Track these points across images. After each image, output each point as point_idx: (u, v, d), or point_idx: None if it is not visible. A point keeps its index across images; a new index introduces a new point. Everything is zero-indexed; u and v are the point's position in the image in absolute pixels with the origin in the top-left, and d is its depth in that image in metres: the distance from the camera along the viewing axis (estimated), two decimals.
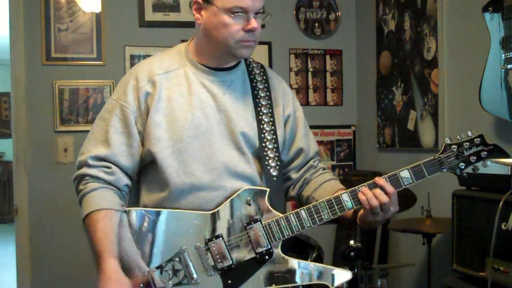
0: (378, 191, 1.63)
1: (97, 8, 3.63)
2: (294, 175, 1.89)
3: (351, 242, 2.54)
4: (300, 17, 3.91)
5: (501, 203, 1.99)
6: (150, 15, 3.69)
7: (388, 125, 3.54)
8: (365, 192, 1.64)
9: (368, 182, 1.66)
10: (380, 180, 1.65)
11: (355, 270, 2.61)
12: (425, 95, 3.12)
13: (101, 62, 3.64)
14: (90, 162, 1.70)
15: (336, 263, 3.30)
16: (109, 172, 1.70)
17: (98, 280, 1.63)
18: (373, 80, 3.71)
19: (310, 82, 3.93)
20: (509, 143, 2.43)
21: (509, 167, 2.04)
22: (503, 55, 2.33)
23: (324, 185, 1.83)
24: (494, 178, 2.11)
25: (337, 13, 3.96)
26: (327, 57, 3.96)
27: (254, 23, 1.66)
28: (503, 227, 2.02)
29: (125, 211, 1.70)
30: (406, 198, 2.74)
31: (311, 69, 3.93)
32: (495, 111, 2.40)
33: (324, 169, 1.93)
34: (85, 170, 1.71)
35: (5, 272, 6.04)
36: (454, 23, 2.89)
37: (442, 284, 2.45)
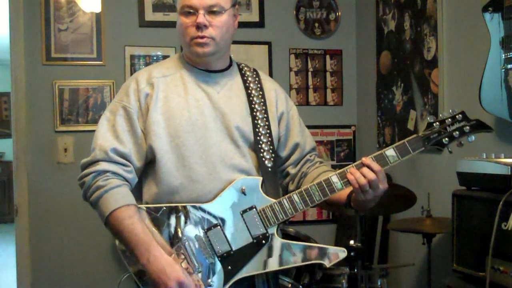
0: (365, 169, 1.71)
1: (97, 8, 3.63)
2: (292, 170, 1.96)
3: (351, 242, 2.54)
4: (300, 17, 3.92)
5: (501, 203, 1.99)
6: (150, 15, 3.70)
7: (388, 125, 3.54)
8: (353, 172, 1.71)
9: (356, 163, 1.74)
10: (366, 160, 1.72)
11: (355, 270, 2.61)
12: (425, 95, 3.12)
13: (101, 62, 3.64)
14: (111, 154, 1.74)
15: (337, 263, 3.31)
16: (128, 171, 1.76)
17: (150, 267, 1.65)
18: (373, 80, 3.71)
19: (310, 82, 3.93)
20: (509, 143, 2.43)
21: (509, 167, 2.04)
22: (503, 55, 2.33)
23: (320, 176, 1.88)
24: (494, 178, 2.11)
25: (337, 13, 3.96)
26: (327, 57, 3.97)
27: (199, 18, 1.75)
28: (503, 227, 2.02)
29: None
30: (406, 198, 2.74)
31: (311, 69, 3.93)
32: (495, 111, 2.40)
33: (321, 162, 2.00)
34: (105, 165, 1.73)
35: (5, 272, 6.04)
36: (454, 23, 2.89)
37: (442, 284, 2.45)
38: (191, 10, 1.76)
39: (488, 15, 2.38)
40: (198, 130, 1.78)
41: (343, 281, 2.62)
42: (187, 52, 1.84)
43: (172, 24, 3.65)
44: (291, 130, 1.95)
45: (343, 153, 3.97)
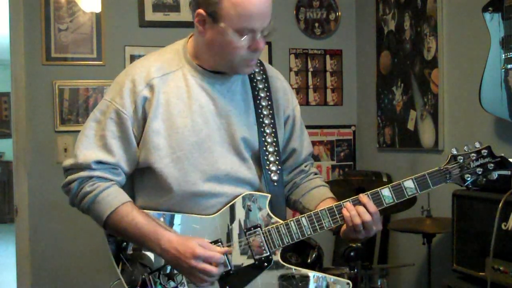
0: (361, 209, 1.62)
1: (97, 8, 3.63)
2: (284, 178, 1.84)
3: None
4: (300, 17, 3.91)
5: (501, 203, 1.99)
6: (150, 15, 3.69)
7: (388, 125, 3.54)
8: (349, 208, 1.62)
9: (352, 198, 1.65)
10: (363, 198, 1.63)
11: (355, 270, 2.61)
12: (425, 95, 3.12)
13: (101, 62, 3.64)
14: (95, 167, 1.64)
15: (337, 263, 3.31)
16: (116, 173, 1.66)
17: (166, 256, 1.59)
18: (373, 80, 3.71)
19: (310, 82, 3.93)
20: (509, 143, 2.43)
21: None
22: (503, 55, 2.33)
23: (313, 191, 1.81)
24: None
25: (337, 13, 3.96)
26: (327, 57, 3.96)
27: (261, 44, 1.63)
28: (503, 227, 2.02)
29: None
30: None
31: (311, 69, 3.93)
32: (495, 111, 2.41)
33: (315, 174, 1.90)
34: (89, 172, 1.64)
35: (5, 272, 6.04)
36: (454, 23, 2.89)
37: (442, 284, 2.45)
38: (250, 32, 1.60)
39: (488, 15, 2.39)
40: (202, 141, 1.65)
41: None
42: (224, 66, 1.67)
43: (172, 24, 3.70)
44: (292, 134, 1.84)
45: (343, 153, 3.96)
